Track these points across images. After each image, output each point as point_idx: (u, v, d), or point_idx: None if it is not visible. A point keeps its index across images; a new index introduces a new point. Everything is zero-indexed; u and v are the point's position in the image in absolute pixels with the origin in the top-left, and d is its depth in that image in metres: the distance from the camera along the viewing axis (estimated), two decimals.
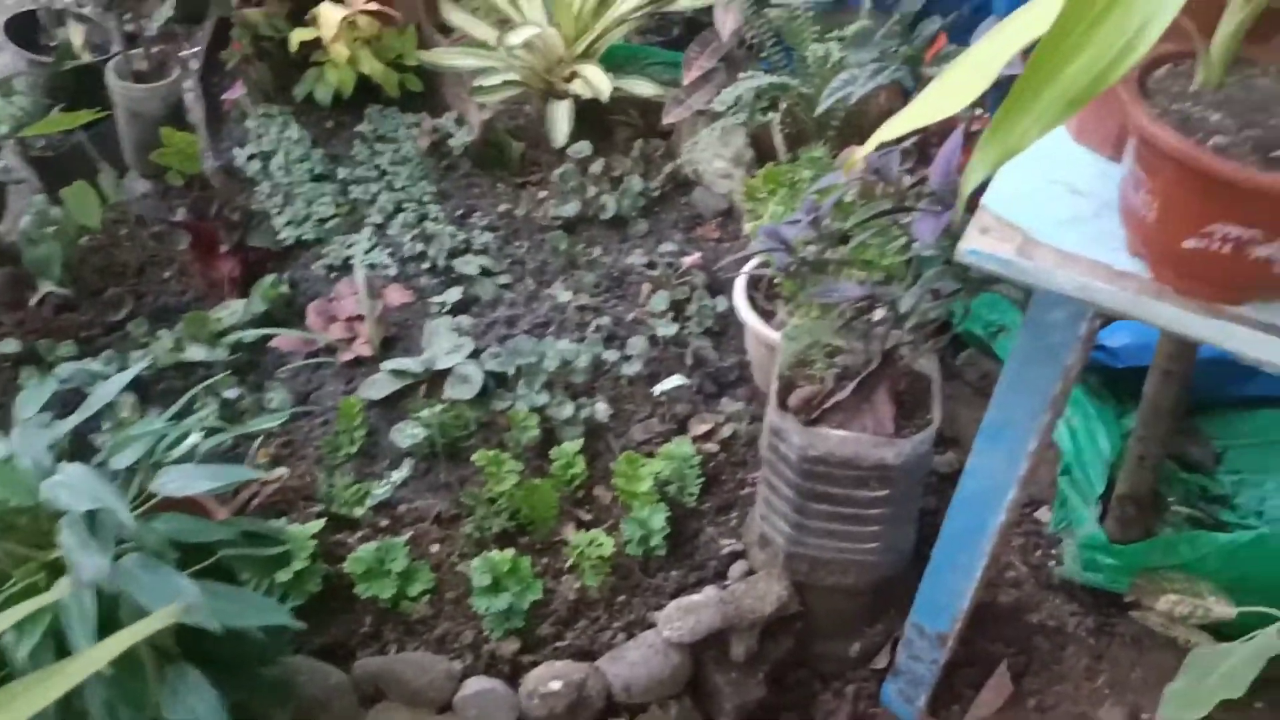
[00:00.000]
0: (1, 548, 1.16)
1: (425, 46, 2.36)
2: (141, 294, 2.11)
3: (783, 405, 1.46)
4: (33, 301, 2.00)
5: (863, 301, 1.43)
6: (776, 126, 2.14)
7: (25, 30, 2.57)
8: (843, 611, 1.61)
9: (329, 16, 2.14)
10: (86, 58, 2.48)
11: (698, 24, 2.31)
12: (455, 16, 2.47)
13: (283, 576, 1.50)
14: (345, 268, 2.05)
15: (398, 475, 1.67)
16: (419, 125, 2.29)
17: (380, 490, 1.65)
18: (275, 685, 1.37)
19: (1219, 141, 0.79)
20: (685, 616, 1.52)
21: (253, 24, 2.14)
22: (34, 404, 1.35)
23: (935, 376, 1.49)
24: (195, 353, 1.86)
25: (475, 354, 1.85)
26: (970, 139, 1.25)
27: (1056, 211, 0.96)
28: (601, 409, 1.81)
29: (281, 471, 1.73)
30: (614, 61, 2.48)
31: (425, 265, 2.08)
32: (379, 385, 1.80)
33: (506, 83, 2.39)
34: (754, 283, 1.87)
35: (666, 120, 2.26)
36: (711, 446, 1.82)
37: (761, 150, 2.25)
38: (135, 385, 1.77)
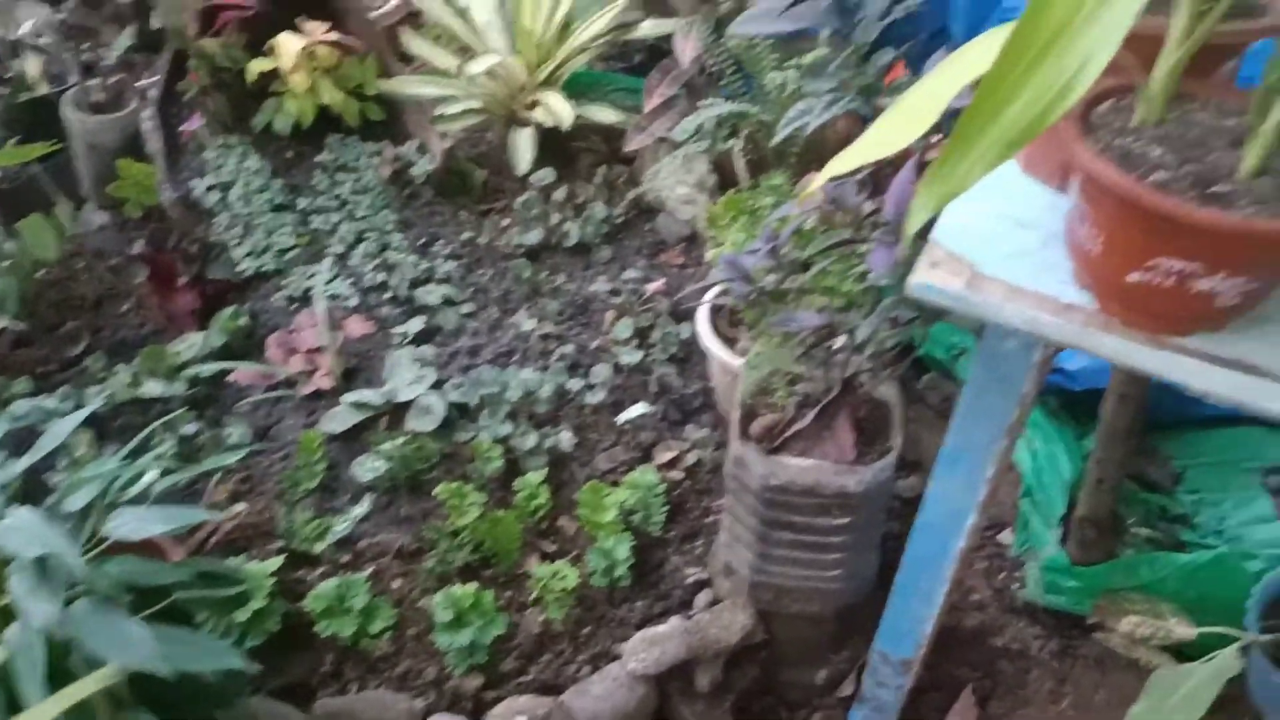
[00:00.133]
0: None
1: (386, 75, 2.35)
2: (99, 328, 2.08)
3: (744, 434, 1.46)
4: None
5: (822, 330, 1.44)
6: (738, 153, 2.15)
7: None
8: (808, 639, 1.61)
9: (287, 47, 2.13)
10: (43, 89, 2.46)
11: (660, 51, 2.33)
12: (416, 45, 2.47)
13: (241, 616, 1.47)
14: (306, 299, 2.04)
15: (358, 510, 1.65)
16: (380, 154, 2.28)
17: (341, 526, 1.63)
18: None
19: (1159, 177, 0.80)
20: (650, 648, 1.51)
21: (210, 55, 2.13)
22: None
23: (895, 403, 1.49)
24: (153, 388, 1.83)
25: (438, 385, 1.83)
26: (924, 169, 1.27)
27: (1005, 244, 0.97)
28: (565, 438, 1.80)
29: (240, 508, 1.71)
30: (577, 88, 2.49)
31: (387, 295, 2.06)
32: (340, 418, 1.78)
33: (468, 111, 2.39)
34: (717, 309, 1.88)
35: (629, 147, 2.26)
36: (676, 474, 1.81)
37: (724, 176, 2.26)
38: (92, 421, 1.74)
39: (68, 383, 1.90)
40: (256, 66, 2.15)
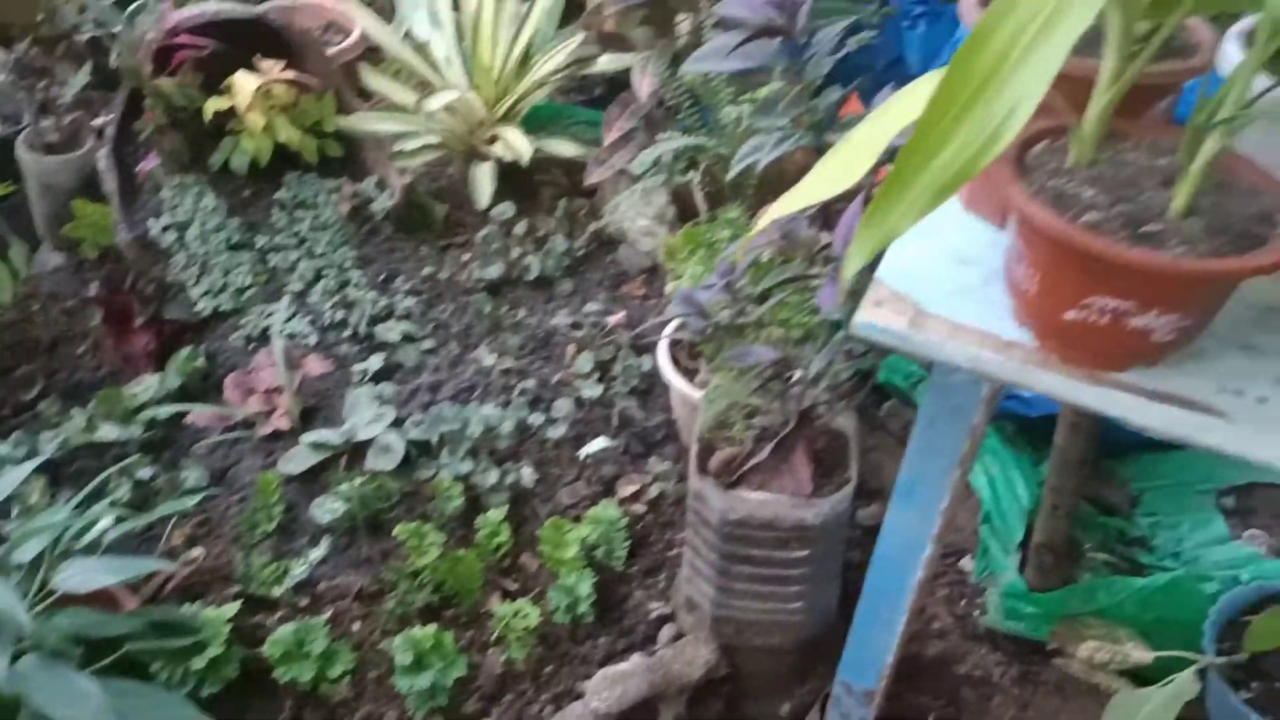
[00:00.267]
0: None
1: (345, 112, 2.35)
2: (54, 371, 2.06)
3: (703, 469, 1.47)
4: None
5: (778, 363, 1.45)
6: (697, 185, 2.17)
7: None
8: (771, 672, 1.61)
9: (244, 86, 2.13)
10: None
11: (620, 83, 2.34)
12: (375, 81, 2.48)
13: (197, 664, 1.45)
14: (264, 338, 2.02)
15: (316, 553, 1.63)
16: (339, 190, 2.28)
17: (299, 569, 1.61)
18: None
19: (1091, 218, 0.81)
20: (612, 686, 1.50)
21: (166, 94, 2.12)
22: None
23: (852, 434, 1.50)
24: (108, 432, 1.81)
25: (398, 423, 1.83)
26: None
27: (948, 282, 0.98)
28: (527, 474, 1.79)
29: (198, 552, 1.69)
30: (537, 121, 2.50)
31: (346, 333, 2.05)
32: (298, 459, 1.77)
33: (427, 146, 2.40)
34: (677, 341, 1.88)
35: (589, 181, 2.28)
36: (639, 508, 1.81)
37: (684, 207, 2.28)
38: (46, 468, 1.72)
39: (21, 428, 1.87)
40: (212, 105, 2.14)
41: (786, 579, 1.47)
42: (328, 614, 1.59)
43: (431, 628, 1.52)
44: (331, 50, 2.56)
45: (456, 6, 2.48)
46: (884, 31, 2.64)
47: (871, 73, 2.60)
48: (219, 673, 1.48)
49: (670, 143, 2.02)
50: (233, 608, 1.54)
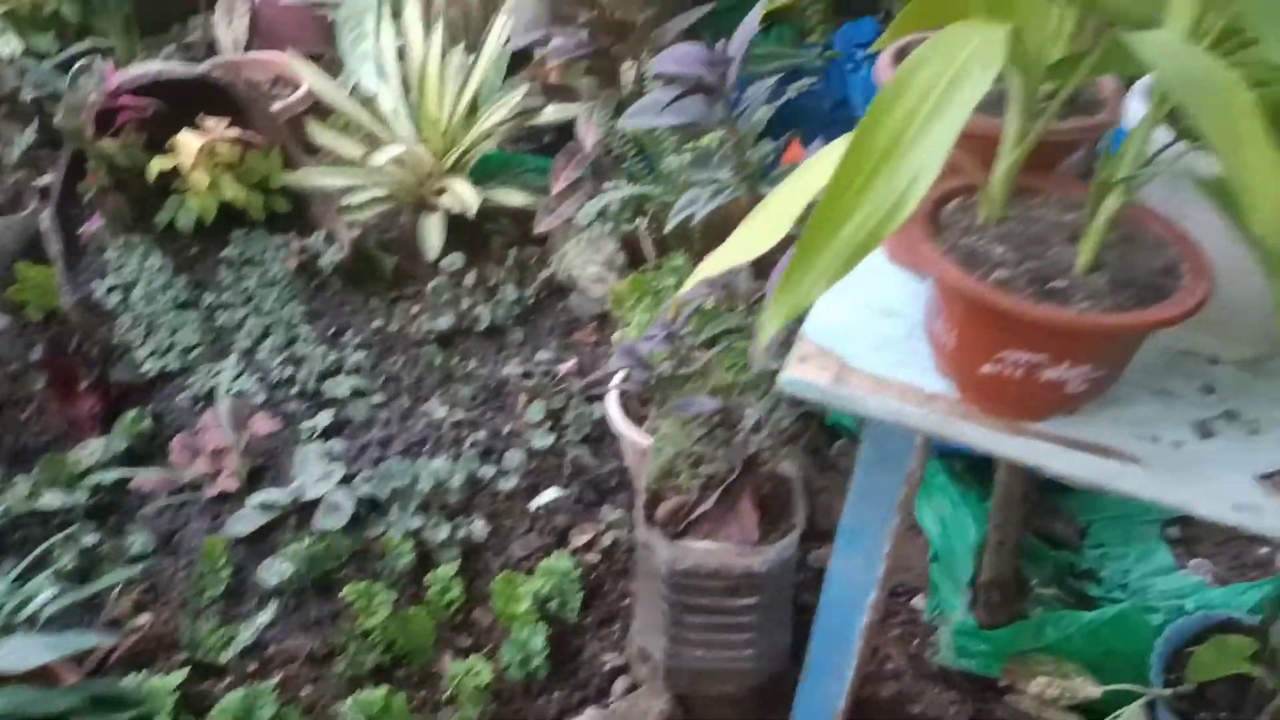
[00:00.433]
0: None
1: (292, 167, 2.36)
2: None
3: (650, 519, 1.47)
4: None
5: (721, 413, 1.46)
6: (644, 232, 2.19)
7: None
8: (728, 719, 1.61)
9: (187, 145, 2.13)
10: None
11: (570, 130, 2.37)
12: (322, 135, 2.48)
13: None
14: (211, 397, 2.01)
15: (263, 617, 1.61)
16: (287, 246, 2.28)
17: (246, 634, 1.59)
18: None
19: (1000, 275, 0.84)
20: None
21: (109, 155, 2.11)
22: None
23: (797, 479, 1.52)
24: (52, 499, 1.79)
25: (347, 479, 1.82)
26: None
27: (871, 336, 1.00)
28: (479, 528, 1.79)
29: (144, 619, 1.66)
30: (487, 170, 2.52)
31: (295, 389, 2.04)
32: (245, 520, 1.75)
33: (376, 199, 2.41)
34: (627, 389, 1.89)
35: (538, 229, 2.29)
36: (593, 557, 1.81)
37: (634, 253, 2.30)
38: None
39: None
40: (156, 165, 2.14)
41: (737, 626, 1.48)
42: (277, 679, 1.57)
43: (383, 689, 1.50)
44: (278, 105, 2.57)
45: (403, 57, 2.50)
46: (828, 74, 2.69)
47: (817, 115, 2.66)
48: None
49: (615, 192, 2.04)
50: (179, 675, 1.52)
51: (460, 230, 2.39)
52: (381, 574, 1.70)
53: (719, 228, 2.08)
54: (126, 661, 1.61)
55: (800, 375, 0.95)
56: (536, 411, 2.02)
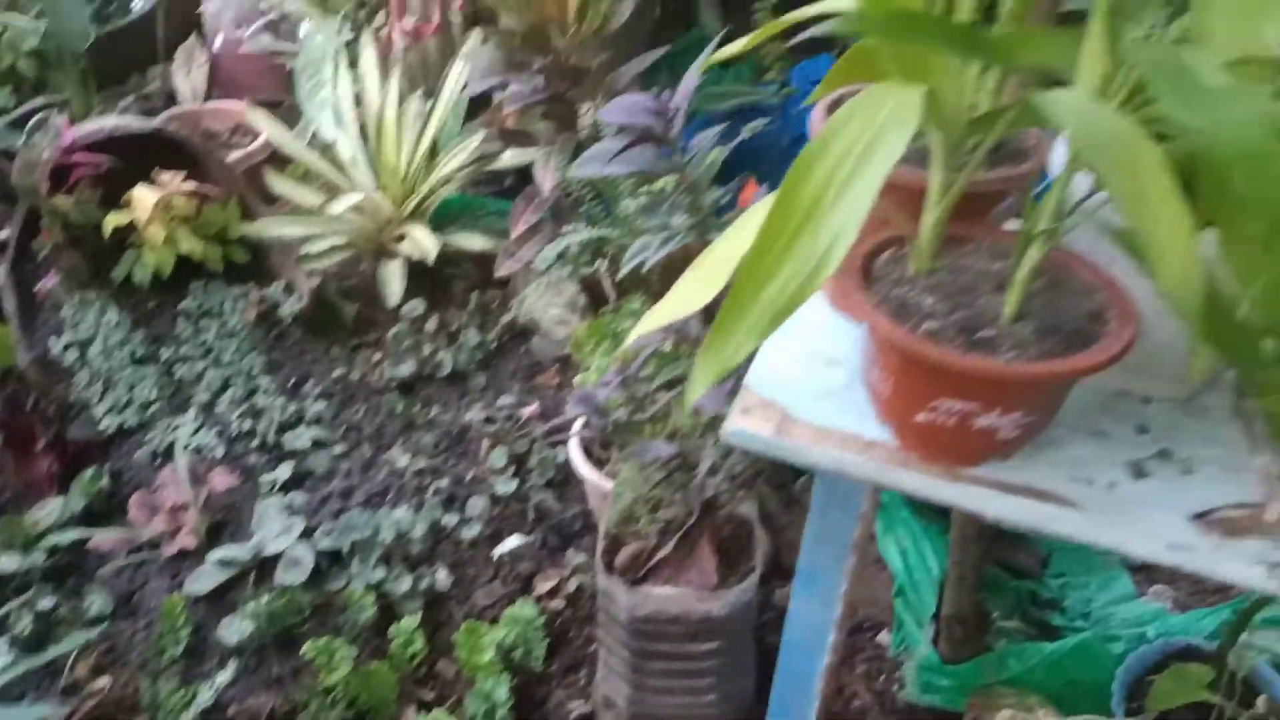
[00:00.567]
0: None
1: (250, 217, 2.36)
2: None
3: (609, 567, 1.47)
4: None
5: (677, 458, 1.47)
6: (605, 274, 2.20)
7: None
8: None
9: (143, 200, 2.12)
10: None
11: (529, 175, 2.38)
12: (280, 185, 2.48)
13: None
14: (170, 453, 2.00)
15: (223, 676, 1.60)
16: (246, 297, 2.28)
17: (206, 694, 1.58)
18: None
19: (930, 326, 0.85)
20: None
21: (63, 213, 2.11)
22: None
23: (756, 521, 1.52)
24: (8, 562, 1.76)
25: (308, 533, 1.81)
26: None
27: (813, 385, 1.01)
28: (442, 577, 1.78)
29: (104, 682, 1.64)
30: (448, 214, 2.52)
31: (254, 442, 2.03)
32: (205, 578, 1.74)
33: (335, 247, 2.40)
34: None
35: (499, 273, 2.30)
36: (558, 603, 1.81)
37: (595, 295, 2.31)
38: None
39: None
40: (112, 221, 2.14)
41: (699, 671, 1.48)
42: None
43: None
44: (236, 155, 2.58)
45: (360, 104, 2.51)
46: (785, 111, 2.73)
47: (775, 152, 2.69)
48: None
49: (574, 235, 2.06)
50: None
51: (421, 276, 2.40)
52: (343, 628, 1.68)
53: (678, 269, 2.08)
54: None
55: (744, 426, 0.96)
56: (499, 457, 2.01)
